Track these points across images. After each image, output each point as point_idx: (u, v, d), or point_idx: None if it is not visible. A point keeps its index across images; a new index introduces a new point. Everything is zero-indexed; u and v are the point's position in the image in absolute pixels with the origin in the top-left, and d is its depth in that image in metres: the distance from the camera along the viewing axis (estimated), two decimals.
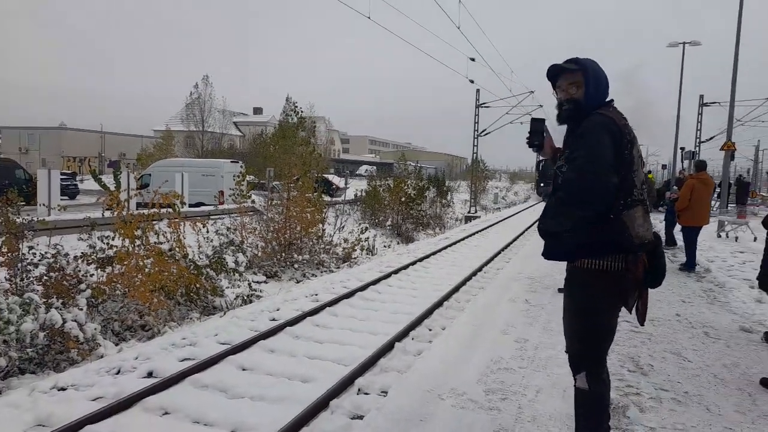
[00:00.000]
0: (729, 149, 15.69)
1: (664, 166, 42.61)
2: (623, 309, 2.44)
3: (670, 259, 9.19)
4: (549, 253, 2.47)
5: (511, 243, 14.13)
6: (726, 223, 15.05)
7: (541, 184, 38.88)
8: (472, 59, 20.50)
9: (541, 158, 29.71)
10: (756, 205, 26.71)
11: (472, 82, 22.80)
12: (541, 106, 28.97)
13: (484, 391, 3.58)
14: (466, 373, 3.88)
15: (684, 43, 25.45)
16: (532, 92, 27.94)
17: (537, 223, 2.54)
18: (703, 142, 28.35)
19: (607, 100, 2.47)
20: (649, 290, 2.45)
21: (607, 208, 2.22)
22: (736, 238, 14.17)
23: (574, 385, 2.51)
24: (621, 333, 5.10)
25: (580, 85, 2.43)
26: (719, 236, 14.53)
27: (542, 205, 26.82)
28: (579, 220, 2.26)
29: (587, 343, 2.43)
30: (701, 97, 27.47)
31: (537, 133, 2.64)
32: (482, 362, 4.10)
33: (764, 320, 5.67)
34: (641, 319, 2.46)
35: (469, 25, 17.70)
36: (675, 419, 3.32)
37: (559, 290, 6.95)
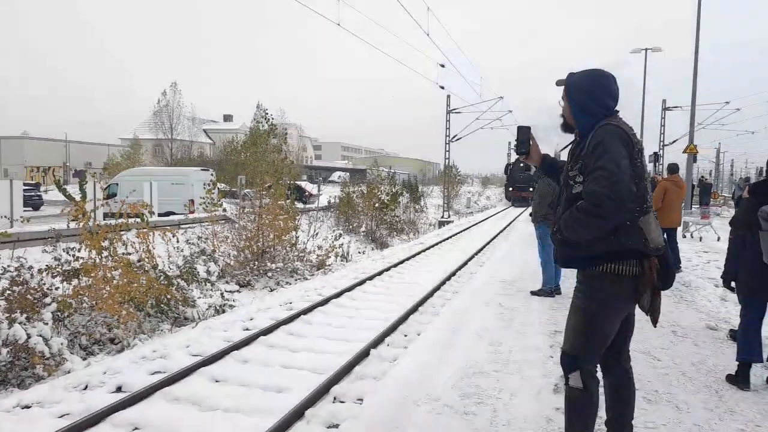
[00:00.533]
0: (692, 152, 16.18)
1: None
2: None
3: None
4: (566, 262, 2.52)
5: (484, 247, 14.26)
6: (690, 223, 15.49)
7: (510, 189, 38.65)
8: (442, 65, 20.70)
9: (510, 162, 29.04)
10: (718, 206, 27.58)
11: (442, 88, 23.01)
12: (510, 111, 29.39)
13: (459, 395, 3.59)
14: (441, 378, 3.89)
15: (646, 49, 26.20)
16: (501, 98, 28.32)
17: (553, 232, 2.58)
18: (666, 145, 29.17)
19: (615, 110, 2.50)
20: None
21: (629, 217, 2.29)
22: (700, 238, 14.60)
23: (566, 384, 2.57)
24: None
25: (566, 100, 2.55)
26: (684, 236, 14.95)
27: (515, 210, 25.52)
28: (602, 230, 2.30)
29: (589, 343, 2.48)
30: (664, 101, 28.29)
31: (524, 142, 2.72)
32: (457, 367, 4.12)
33: (729, 318, 5.84)
34: (654, 321, 2.52)
35: (439, 32, 17.89)
36: (646, 418, 3.39)
37: (532, 293, 7.06)
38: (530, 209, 9.82)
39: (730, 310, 6.16)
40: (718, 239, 13.78)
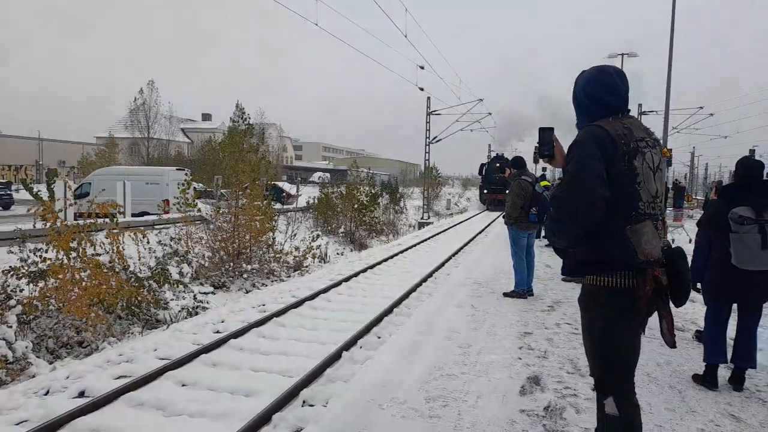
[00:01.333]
0: (666, 156, 16.48)
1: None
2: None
3: None
4: (563, 269, 2.42)
5: (461, 248, 14.32)
6: None
7: (485, 191, 34.94)
8: (422, 67, 20.76)
9: (484, 162, 28.49)
10: (691, 208, 28.15)
11: (421, 89, 23.07)
12: (489, 113, 29.60)
13: (425, 398, 3.59)
14: (408, 380, 3.89)
15: (623, 54, 26.63)
16: (481, 100, 28.51)
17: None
18: None
19: (622, 109, 2.32)
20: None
21: (596, 222, 2.15)
22: (673, 240, 14.88)
23: (603, 410, 2.33)
24: (561, 335, 5.25)
25: (573, 100, 2.44)
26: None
27: (491, 214, 25.17)
28: (573, 237, 2.21)
29: (607, 365, 2.29)
30: (639, 106, 28.74)
31: (546, 143, 2.55)
32: (425, 369, 4.12)
33: (696, 319, 5.95)
34: (669, 341, 2.31)
35: (417, 34, 17.93)
36: None
37: (505, 294, 7.10)
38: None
39: (697, 311, 6.27)
40: (690, 241, 14.05)
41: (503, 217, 7.56)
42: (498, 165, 31.57)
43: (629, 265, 2.16)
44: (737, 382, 3.97)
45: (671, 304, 2.28)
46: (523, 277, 7.12)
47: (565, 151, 2.48)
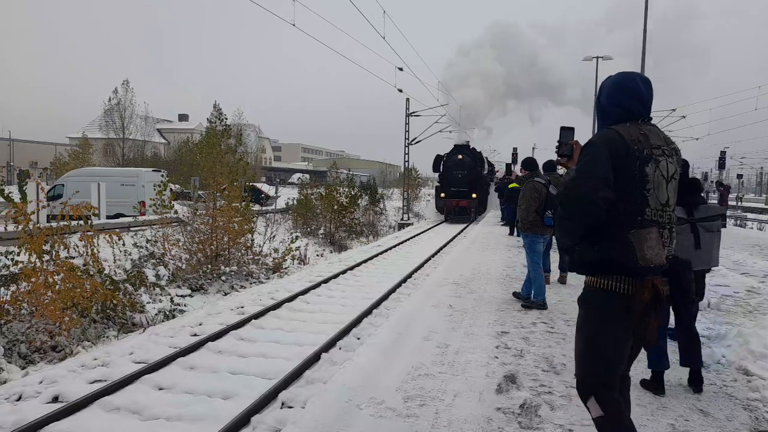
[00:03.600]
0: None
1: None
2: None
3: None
4: (571, 266, 2.41)
5: (441, 249, 14.41)
6: None
7: (442, 195, 24.76)
8: (400, 69, 20.81)
9: (441, 154, 23.96)
10: None
11: (400, 91, 23.12)
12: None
13: (402, 398, 3.63)
14: (386, 380, 3.92)
15: (597, 57, 27.08)
16: (460, 105, 28.67)
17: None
18: None
19: (643, 115, 2.32)
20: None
21: (594, 221, 2.19)
22: None
23: (592, 418, 2.30)
24: (536, 334, 5.33)
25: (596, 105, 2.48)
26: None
27: (452, 227, 21.17)
28: (573, 234, 2.27)
29: (592, 365, 2.30)
30: None
31: (566, 144, 2.51)
32: (403, 369, 4.15)
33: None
34: (647, 346, 2.34)
35: (395, 35, 17.97)
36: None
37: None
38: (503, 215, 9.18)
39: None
40: None
41: (515, 221, 6.98)
42: (460, 158, 24.25)
43: (628, 269, 2.18)
44: (696, 383, 3.94)
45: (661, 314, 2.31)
46: (543, 286, 6.62)
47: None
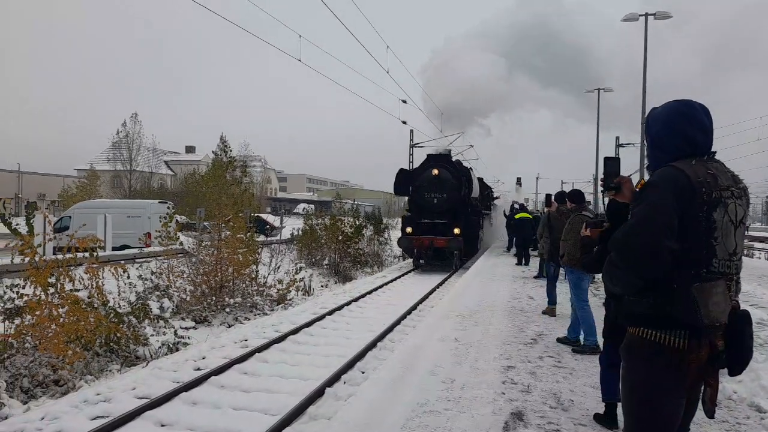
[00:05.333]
0: (643, 186, 16.82)
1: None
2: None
3: (592, 292, 9.61)
4: (615, 315, 2.21)
5: (445, 280, 14.34)
6: None
7: (407, 228, 17.26)
8: (404, 101, 21.10)
9: (405, 169, 17.70)
10: None
11: (404, 123, 23.39)
12: (471, 146, 29.97)
13: None
14: (391, 417, 3.85)
15: (599, 89, 27.44)
16: (463, 132, 28.92)
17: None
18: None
19: (706, 149, 2.06)
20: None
21: (656, 275, 1.92)
22: None
23: None
24: (543, 369, 5.26)
25: (646, 138, 2.23)
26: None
27: (426, 280, 14.31)
28: (629, 286, 2.01)
29: (643, 425, 2.05)
30: (617, 138, 29.45)
31: (613, 175, 2.31)
32: (408, 405, 4.09)
33: None
34: (709, 410, 2.03)
35: (399, 69, 18.32)
36: None
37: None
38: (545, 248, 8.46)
39: None
40: None
41: (560, 256, 6.34)
42: (435, 175, 16.75)
43: (691, 327, 1.91)
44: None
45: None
46: (593, 326, 6.01)
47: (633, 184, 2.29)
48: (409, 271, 16.61)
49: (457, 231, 16.46)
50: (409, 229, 17.08)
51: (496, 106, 28.00)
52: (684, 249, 1.91)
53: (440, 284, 13.45)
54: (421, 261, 17.51)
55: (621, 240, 1.99)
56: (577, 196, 6.80)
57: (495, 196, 32.24)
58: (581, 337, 6.19)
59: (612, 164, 2.34)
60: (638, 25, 19.01)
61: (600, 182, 2.39)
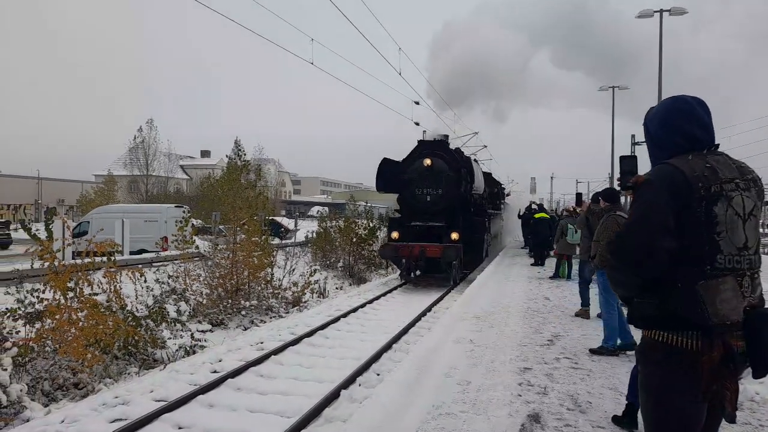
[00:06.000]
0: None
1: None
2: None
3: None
4: (628, 318, 2.14)
5: (437, 302, 14.20)
6: None
7: (393, 234, 14.18)
8: (417, 103, 21.07)
9: (390, 158, 14.35)
10: None
11: (417, 124, 23.34)
12: (485, 146, 29.87)
13: None
14: (406, 420, 3.84)
15: (613, 87, 27.15)
16: (476, 133, 28.82)
17: None
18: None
19: (708, 143, 2.02)
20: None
21: (653, 275, 1.91)
22: None
23: None
24: (560, 371, 5.21)
25: (646, 139, 2.19)
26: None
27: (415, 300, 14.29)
28: (629, 287, 2.00)
29: (662, 430, 2.00)
30: (633, 137, 29.12)
31: (629, 173, 2.28)
32: (423, 408, 4.08)
33: None
34: (729, 416, 1.97)
35: (411, 71, 18.28)
36: None
37: (592, 351, 5.96)
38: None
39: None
40: None
41: (590, 257, 6.15)
42: (428, 165, 13.74)
43: (698, 326, 1.87)
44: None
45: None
46: (615, 329, 5.87)
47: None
48: (398, 286, 13.55)
49: (455, 236, 13.44)
50: (395, 234, 13.78)
51: (513, 90, 25.34)
52: (684, 246, 1.88)
53: (428, 309, 10.35)
54: (413, 274, 14.04)
55: (616, 241, 1.99)
56: (611, 195, 6.56)
57: (507, 193, 29.43)
58: (609, 342, 5.88)
59: (628, 163, 2.30)
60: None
61: (617, 181, 2.34)
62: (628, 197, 2.36)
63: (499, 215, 20.18)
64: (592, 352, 5.91)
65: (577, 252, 9.56)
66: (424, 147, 14.29)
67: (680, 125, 2.02)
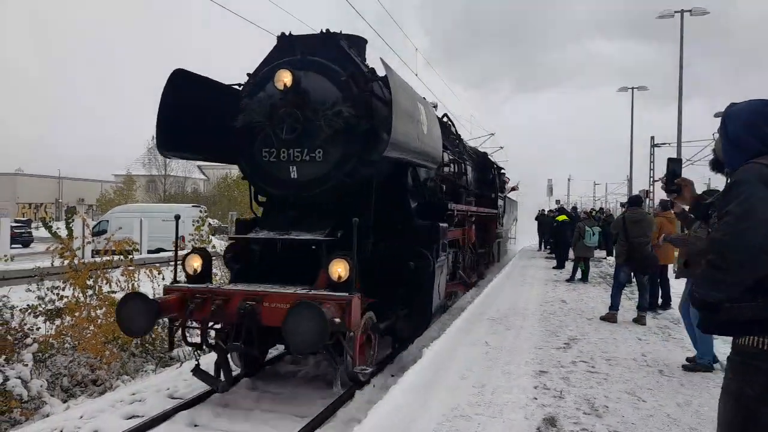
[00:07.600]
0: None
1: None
2: None
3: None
4: (706, 326, 2.05)
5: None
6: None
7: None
8: (435, 106, 21.03)
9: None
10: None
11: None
12: (501, 147, 29.69)
13: None
14: (421, 422, 3.83)
15: (633, 88, 26.85)
16: (493, 134, 28.67)
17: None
18: (656, 181, 29.50)
19: None
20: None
21: (764, 273, 1.84)
22: None
23: None
24: (577, 374, 5.15)
25: (720, 133, 2.15)
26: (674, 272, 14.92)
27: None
28: (732, 288, 1.89)
29: None
30: (652, 138, 28.74)
31: (675, 176, 2.24)
32: (439, 410, 4.06)
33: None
34: None
35: (428, 72, 18.27)
36: None
37: (685, 368, 5.44)
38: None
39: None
40: None
41: (617, 260, 6.21)
42: (287, 84, 4.99)
43: None
44: None
45: None
46: (708, 341, 5.38)
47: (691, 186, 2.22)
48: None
49: (340, 270, 4.63)
50: (195, 264, 5.82)
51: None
52: None
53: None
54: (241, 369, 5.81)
55: (725, 241, 1.88)
56: (635, 201, 7.03)
57: (513, 187, 22.91)
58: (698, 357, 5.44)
59: (675, 164, 2.29)
60: None
61: (661, 183, 2.33)
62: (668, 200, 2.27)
63: (497, 214, 14.25)
64: (686, 369, 5.41)
65: (595, 255, 9.51)
66: (287, 45, 5.89)
67: (762, 126, 2.01)
